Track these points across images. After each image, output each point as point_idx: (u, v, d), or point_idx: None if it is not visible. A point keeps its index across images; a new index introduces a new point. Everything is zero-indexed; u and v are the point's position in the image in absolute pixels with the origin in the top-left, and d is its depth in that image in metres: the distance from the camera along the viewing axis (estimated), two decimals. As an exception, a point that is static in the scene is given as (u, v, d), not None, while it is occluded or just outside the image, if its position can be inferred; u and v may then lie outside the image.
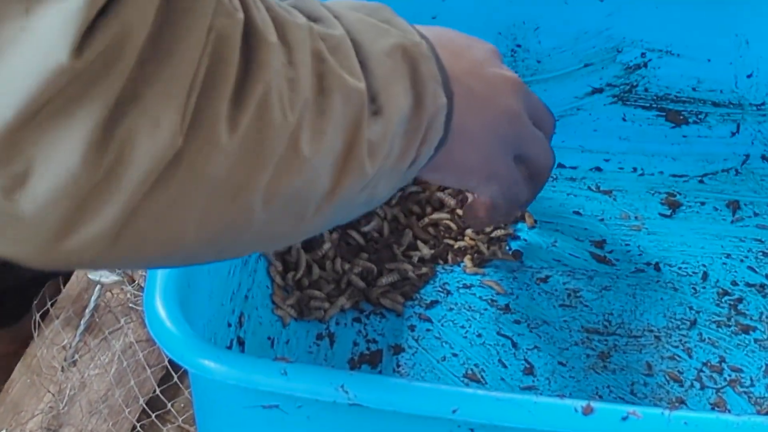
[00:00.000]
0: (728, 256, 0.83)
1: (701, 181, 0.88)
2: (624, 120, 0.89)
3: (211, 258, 0.56)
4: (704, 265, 0.82)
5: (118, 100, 0.40)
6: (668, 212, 0.86)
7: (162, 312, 0.58)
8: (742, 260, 0.82)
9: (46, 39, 0.37)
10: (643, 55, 0.85)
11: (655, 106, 0.88)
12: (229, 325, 0.72)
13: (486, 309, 0.80)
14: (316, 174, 0.53)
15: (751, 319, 0.77)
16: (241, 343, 0.74)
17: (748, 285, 0.80)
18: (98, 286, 0.83)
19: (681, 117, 0.88)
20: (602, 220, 0.87)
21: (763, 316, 0.78)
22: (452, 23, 0.78)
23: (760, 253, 0.83)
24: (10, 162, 0.38)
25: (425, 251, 0.84)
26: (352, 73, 0.56)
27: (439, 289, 0.82)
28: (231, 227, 0.50)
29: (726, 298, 0.79)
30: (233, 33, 0.45)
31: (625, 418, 0.52)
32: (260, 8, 0.49)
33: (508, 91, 0.73)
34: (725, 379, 0.74)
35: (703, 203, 0.87)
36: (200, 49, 0.43)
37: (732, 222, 0.86)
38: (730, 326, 0.77)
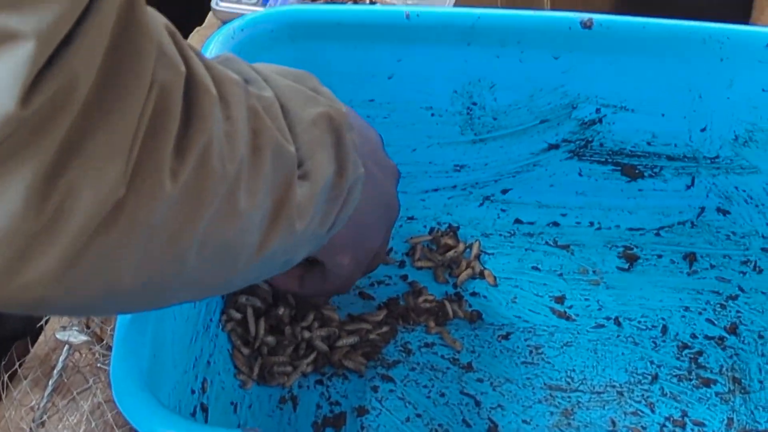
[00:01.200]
0: (687, 309, 0.83)
1: (657, 234, 0.88)
2: (580, 175, 0.88)
3: (143, 305, 0.57)
4: (663, 319, 0.82)
5: (61, 149, 0.40)
6: (626, 266, 0.87)
7: (128, 386, 0.56)
8: (700, 313, 0.83)
9: None
10: (597, 110, 0.85)
11: (610, 160, 0.88)
12: (193, 392, 0.70)
13: (448, 368, 0.80)
14: (249, 227, 0.54)
15: (711, 372, 0.78)
16: (204, 409, 0.71)
17: (707, 338, 0.80)
18: (66, 347, 0.81)
19: (636, 171, 0.88)
20: (561, 275, 0.86)
21: (724, 369, 0.78)
22: (409, 83, 0.83)
23: (718, 306, 0.84)
24: None
25: (381, 316, 0.83)
26: (283, 135, 0.58)
27: (401, 348, 0.81)
28: (165, 273, 0.51)
29: (686, 351, 0.79)
30: (176, 85, 0.46)
31: None
32: (199, 63, 0.50)
33: (394, 182, 0.76)
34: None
35: (660, 256, 0.87)
36: (143, 101, 0.43)
37: (689, 274, 0.86)
38: (691, 380, 0.77)
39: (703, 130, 0.85)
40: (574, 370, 0.78)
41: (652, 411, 0.75)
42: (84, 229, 0.43)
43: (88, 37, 0.40)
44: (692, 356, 0.79)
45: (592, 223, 0.89)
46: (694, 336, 0.81)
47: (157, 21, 0.47)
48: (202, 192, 0.48)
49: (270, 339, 0.78)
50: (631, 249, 0.87)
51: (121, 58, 0.43)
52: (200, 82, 0.49)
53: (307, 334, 0.78)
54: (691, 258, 0.86)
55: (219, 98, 0.51)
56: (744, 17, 1.44)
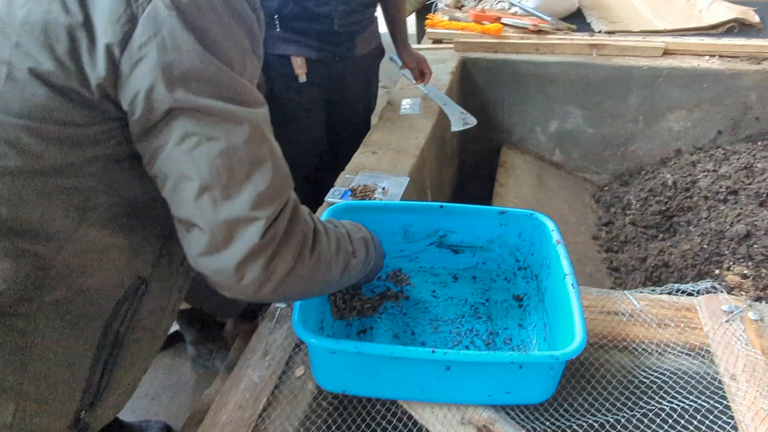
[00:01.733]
0: (472, 294, 1.12)
1: (465, 270, 1.15)
2: (440, 252, 1.13)
3: (302, 297, 0.74)
4: (466, 298, 1.11)
5: (273, 252, 0.60)
6: (454, 281, 1.14)
7: (297, 322, 0.80)
8: (478, 295, 1.11)
9: (249, 236, 0.58)
10: (446, 233, 1.10)
11: (450, 248, 1.13)
12: (317, 324, 0.96)
13: (401, 314, 1.07)
14: (336, 274, 0.73)
15: (480, 313, 1.08)
16: (321, 329, 0.97)
17: (478, 303, 1.09)
18: (279, 308, 1.02)
19: (458, 251, 1.13)
20: (434, 284, 1.14)
21: (483, 313, 1.07)
22: (385, 227, 1.07)
23: (482, 293, 1.12)
24: (237, 272, 0.58)
25: (378, 297, 1.06)
26: (348, 244, 0.76)
27: (384, 308, 1.08)
28: (307, 289, 0.69)
29: (473, 308, 1.09)
30: (309, 231, 0.66)
31: (446, 353, 0.76)
32: (317, 219, 0.70)
33: (382, 258, 0.95)
34: (482, 338, 1.02)
35: (464, 278, 1.15)
36: (299, 236, 0.64)
37: (474, 282, 1.15)
38: (474, 317, 1.07)
39: (489, 241, 1.11)
40: (438, 314, 1.08)
41: (461, 326, 1.05)
42: (280, 278, 0.62)
43: (282, 219, 0.61)
44: (475, 309, 1.09)
45: (444, 268, 1.16)
46: (474, 303, 1.10)
47: (304, 208, 0.68)
48: (320, 263, 0.68)
49: (342, 305, 1.03)
50: (456, 275, 1.15)
51: (292, 225, 0.63)
52: (318, 230, 0.68)
53: (355, 304, 1.04)
54: (474, 278, 1.15)
55: (325, 234, 0.70)
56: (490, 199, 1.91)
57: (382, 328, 1.04)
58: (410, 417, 0.88)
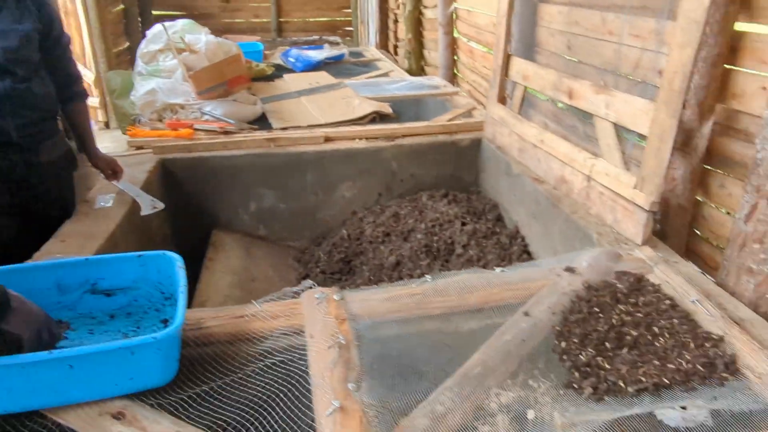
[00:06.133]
0: (126, 326, 1.25)
1: (119, 311, 1.28)
2: (95, 299, 1.21)
3: None
4: (120, 329, 1.23)
5: None
6: (111, 319, 1.25)
7: None
8: (131, 328, 1.26)
9: None
10: (96, 280, 1.21)
11: (104, 293, 1.21)
12: None
13: None
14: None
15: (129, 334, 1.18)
16: None
17: (129, 332, 1.24)
18: None
19: (112, 294, 1.22)
20: (91, 330, 1.23)
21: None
22: (37, 284, 1.15)
23: (135, 324, 1.25)
24: None
25: None
26: None
27: None
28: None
29: (123, 335, 1.23)
30: None
31: (62, 352, 0.92)
32: None
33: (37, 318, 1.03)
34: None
35: (126, 314, 1.26)
36: None
37: (128, 317, 1.28)
38: (127, 336, 1.18)
39: (134, 281, 1.27)
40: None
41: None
42: None
43: None
44: (124, 335, 1.24)
45: (101, 310, 1.25)
46: (127, 333, 1.25)
47: None
48: None
49: None
50: (113, 314, 1.26)
51: None
52: None
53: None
54: (128, 314, 1.27)
55: None
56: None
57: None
58: (58, 424, 1.01)
